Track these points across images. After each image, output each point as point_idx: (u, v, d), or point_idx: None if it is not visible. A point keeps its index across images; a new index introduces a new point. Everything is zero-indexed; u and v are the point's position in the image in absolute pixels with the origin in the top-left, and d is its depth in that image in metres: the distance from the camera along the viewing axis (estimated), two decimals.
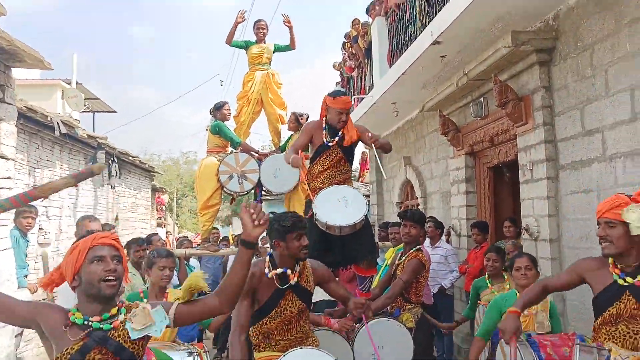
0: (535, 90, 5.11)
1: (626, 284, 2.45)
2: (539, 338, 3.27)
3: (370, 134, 4.17)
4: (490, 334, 3.61)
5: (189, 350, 3.47)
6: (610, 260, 2.55)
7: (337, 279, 3.46)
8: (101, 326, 2.08)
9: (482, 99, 6.24)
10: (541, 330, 3.47)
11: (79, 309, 2.10)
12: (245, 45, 6.26)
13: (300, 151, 4.29)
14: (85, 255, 2.10)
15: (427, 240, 6.59)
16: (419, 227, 4.26)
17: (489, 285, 4.54)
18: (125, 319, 2.14)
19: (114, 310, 2.14)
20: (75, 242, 2.18)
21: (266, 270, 3.07)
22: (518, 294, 3.59)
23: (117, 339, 2.09)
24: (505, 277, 4.48)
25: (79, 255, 2.10)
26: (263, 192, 6.08)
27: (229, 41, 6.25)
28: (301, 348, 2.97)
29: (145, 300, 3.71)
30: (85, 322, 2.07)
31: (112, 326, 2.10)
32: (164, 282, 3.81)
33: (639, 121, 3.90)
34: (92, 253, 2.11)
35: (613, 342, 2.44)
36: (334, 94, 4.33)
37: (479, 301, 4.58)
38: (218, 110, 5.86)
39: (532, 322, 3.52)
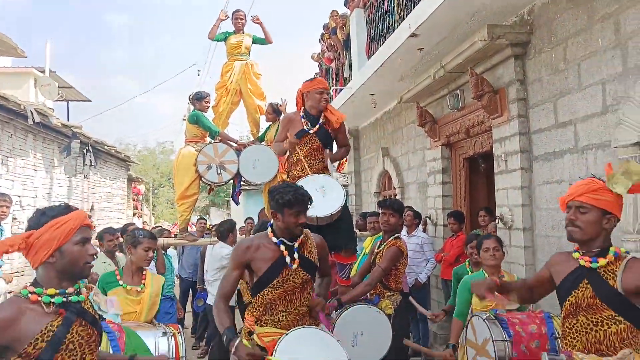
0: (510, 83, 5.22)
1: (586, 265, 2.34)
2: (508, 316, 3.39)
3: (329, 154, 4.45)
4: (466, 314, 3.73)
5: (164, 331, 3.49)
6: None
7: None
8: (78, 299, 2.07)
9: (458, 91, 6.34)
10: (509, 307, 3.53)
11: (45, 286, 2.01)
12: (225, 37, 6.26)
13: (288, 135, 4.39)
14: (73, 234, 2.03)
15: (404, 229, 6.69)
16: (398, 216, 4.32)
17: (470, 272, 4.63)
18: (87, 293, 2.16)
19: (76, 285, 2.13)
20: (57, 216, 2.04)
21: (274, 239, 2.99)
22: (486, 275, 3.72)
23: (90, 311, 2.11)
24: None
25: (69, 232, 2.02)
26: (242, 183, 6.10)
27: (212, 37, 6.29)
28: (303, 327, 2.93)
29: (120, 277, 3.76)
30: (64, 298, 2.02)
31: (83, 297, 2.10)
32: (146, 262, 3.85)
33: (609, 114, 4.02)
34: (81, 234, 2.06)
35: (577, 336, 2.34)
36: (310, 79, 4.42)
37: None
38: (198, 100, 5.84)
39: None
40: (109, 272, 3.87)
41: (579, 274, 2.36)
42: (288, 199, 2.91)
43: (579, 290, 2.33)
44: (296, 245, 3.01)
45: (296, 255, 2.99)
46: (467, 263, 4.78)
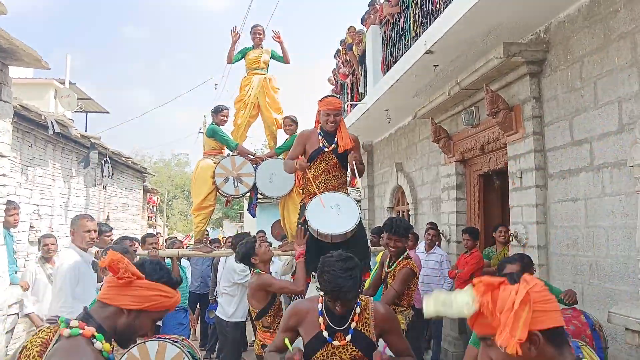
0: (526, 100, 5.23)
1: None
2: None
3: (353, 154, 4.24)
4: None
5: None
6: None
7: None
8: None
9: (473, 108, 6.36)
10: None
11: (106, 335, 1.75)
12: (243, 55, 6.33)
13: (299, 158, 4.37)
14: (161, 309, 1.84)
15: (422, 246, 6.68)
16: (404, 239, 4.24)
17: None
18: None
19: None
20: (168, 283, 1.82)
21: (320, 306, 2.70)
22: None
23: None
24: None
25: (162, 307, 1.82)
26: (258, 196, 6.14)
27: (230, 61, 6.33)
28: None
29: None
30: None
31: None
32: None
33: (625, 132, 4.02)
34: (161, 313, 1.87)
35: None
36: (323, 96, 4.40)
37: None
38: (215, 113, 5.93)
39: None
40: None
41: None
42: (324, 288, 2.60)
43: None
44: (353, 319, 2.65)
45: (350, 331, 2.63)
46: None
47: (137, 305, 1.75)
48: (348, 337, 2.62)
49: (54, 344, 1.70)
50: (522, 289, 1.38)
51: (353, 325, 2.63)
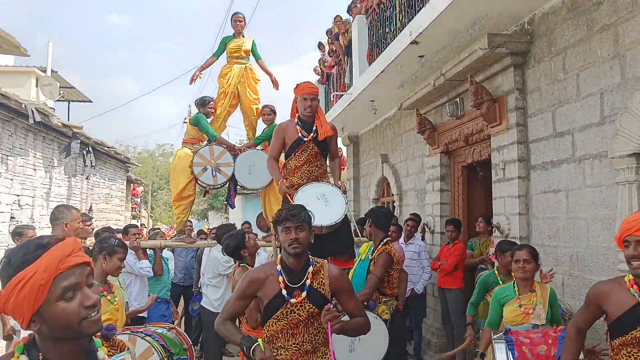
0: (509, 92, 5.24)
1: None
2: (522, 335, 3.30)
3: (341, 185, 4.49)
4: (498, 324, 3.66)
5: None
6: (628, 278, 2.41)
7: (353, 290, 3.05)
8: None
9: (457, 99, 6.36)
10: (537, 321, 3.43)
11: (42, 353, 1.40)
12: (224, 45, 6.23)
13: (283, 179, 4.40)
14: (47, 290, 1.35)
15: (402, 237, 6.70)
16: (368, 223, 4.36)
17: (501, 282, 4.32)
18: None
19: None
20: (20, 268, 1.35)
21: (278, 267, 2.79)
22: (516, 288, 3.58)
23: None
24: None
25: (40, 291, 1.34)
26: (238, 187, 6.09)
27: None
28: None
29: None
30: None
31: None
32: (118, 273, 3.80)
33: (607, 124, 4.04)
34: (65, 281, 1.37)
35: None
36: (297, 84, 4.41)
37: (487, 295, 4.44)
38: (202, 105, 5.84)
39: (528, 317, 3.47)
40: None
41: None
42: (277, 216, 2.80)
43: None
44: (308, 277, 2.77)
45: (305, 287, 2.75)
46: (496, 271, 4.55)
47: (25, 318, 1.36)
48: (304, 294, 2.74)
49: None
50: None
51: (308, 282, 2.77)
